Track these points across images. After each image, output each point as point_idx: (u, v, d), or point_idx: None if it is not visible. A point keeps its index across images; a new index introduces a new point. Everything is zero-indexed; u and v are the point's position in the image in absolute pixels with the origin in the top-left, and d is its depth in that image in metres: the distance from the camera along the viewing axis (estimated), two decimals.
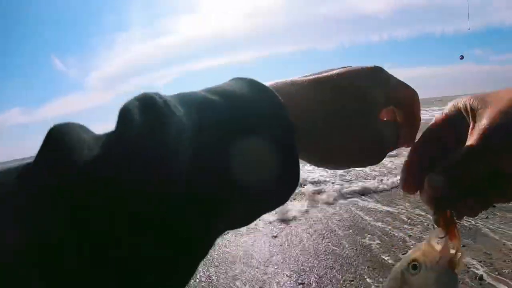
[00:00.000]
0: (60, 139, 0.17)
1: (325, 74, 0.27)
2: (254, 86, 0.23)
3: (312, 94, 0.26)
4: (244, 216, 0.23)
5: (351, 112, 0.26)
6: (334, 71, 0.27)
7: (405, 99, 0.29)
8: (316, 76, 0.27)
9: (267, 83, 0.25)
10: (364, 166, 0.28)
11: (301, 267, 2.50)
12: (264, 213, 0.24)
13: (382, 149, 0.28)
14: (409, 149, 0.30)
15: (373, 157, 0.28)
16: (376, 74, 0.28)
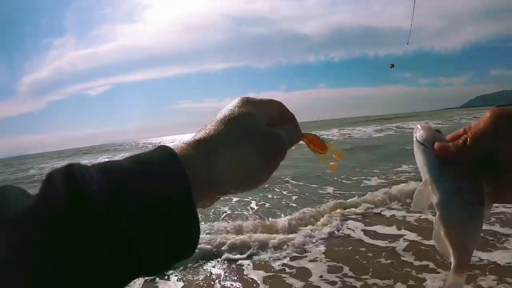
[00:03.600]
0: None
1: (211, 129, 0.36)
2: (165, 154, 0.32)
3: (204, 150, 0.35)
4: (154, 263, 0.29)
5: (241, 135, 0.36)
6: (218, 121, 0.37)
7: (276, 108, 0.40)
8: (197, 138, 0.36)
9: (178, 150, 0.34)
10: (273, 168, 0.37)
11: None
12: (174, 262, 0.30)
13: (280, 148, 0.37)
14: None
15: (276, 157, 0.37)
16: (243, 103, 0.38)
